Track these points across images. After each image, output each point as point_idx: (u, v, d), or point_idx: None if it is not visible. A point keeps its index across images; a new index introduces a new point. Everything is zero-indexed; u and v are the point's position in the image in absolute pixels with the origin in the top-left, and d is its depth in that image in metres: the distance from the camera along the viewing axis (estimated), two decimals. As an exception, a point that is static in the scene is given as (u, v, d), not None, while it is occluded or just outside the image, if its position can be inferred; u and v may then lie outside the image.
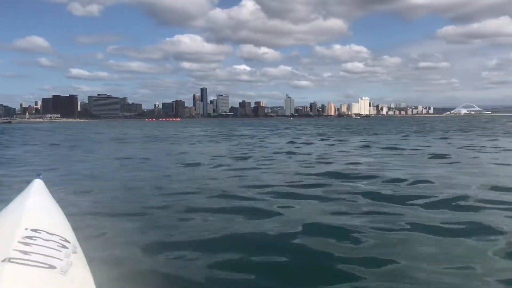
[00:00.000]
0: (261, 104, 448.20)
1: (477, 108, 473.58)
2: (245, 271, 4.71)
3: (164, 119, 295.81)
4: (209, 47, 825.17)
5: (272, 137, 36.77)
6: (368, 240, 5.69)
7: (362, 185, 9.93)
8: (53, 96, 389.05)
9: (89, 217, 7.09)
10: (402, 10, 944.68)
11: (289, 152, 19.53)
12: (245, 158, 17.36)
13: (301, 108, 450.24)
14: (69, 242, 2.28)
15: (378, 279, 4.43)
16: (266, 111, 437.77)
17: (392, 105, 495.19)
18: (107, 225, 6.64)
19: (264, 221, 6.84)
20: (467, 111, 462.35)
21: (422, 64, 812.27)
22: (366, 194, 8.72)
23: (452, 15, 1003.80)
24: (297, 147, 23.10)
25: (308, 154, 18.89)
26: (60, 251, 2.12)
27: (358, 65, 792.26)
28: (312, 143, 27.39)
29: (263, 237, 5.99)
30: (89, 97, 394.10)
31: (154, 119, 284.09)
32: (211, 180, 11.25)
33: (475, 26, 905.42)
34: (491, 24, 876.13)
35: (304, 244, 5.65)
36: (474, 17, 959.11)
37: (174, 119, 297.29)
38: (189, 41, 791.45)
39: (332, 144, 25.43)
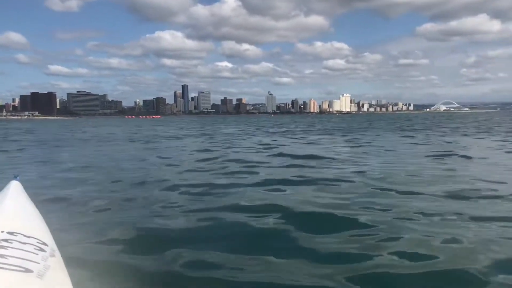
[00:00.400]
0: (243, 101, 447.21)
1: (456, 105, 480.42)
2: (236, 269, 4.67)
3: (144, 116, 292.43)
4: (190, 43, 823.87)
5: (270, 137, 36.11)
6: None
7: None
8: (31, 93, 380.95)
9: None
10: (382, 8, 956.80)
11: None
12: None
13: (282, 105, 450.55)
14: (47, 245, 2.25)
15: None
16: (248, 108, 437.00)
17: (373, 102, 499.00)
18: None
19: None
20: (447, 107, 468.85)
21: (402, 61, 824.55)
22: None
23: (431, 12, 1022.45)
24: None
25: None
26: (37, 254, 2.10)
27: (340, 62, 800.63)
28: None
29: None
30: (68, 94, 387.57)
31: (134, 116, 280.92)
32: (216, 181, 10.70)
33: (453, 24, 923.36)
34: (469, 22, 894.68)
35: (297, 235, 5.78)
36: (452, 14, 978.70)
37: (154, 116, 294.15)
38: (170, 38, 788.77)
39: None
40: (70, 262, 2.36)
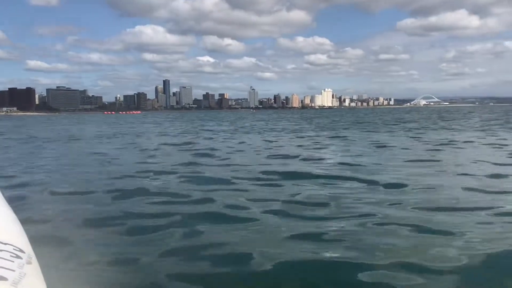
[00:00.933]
0: (225, 96, 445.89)
1: (436, 99, 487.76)
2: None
3: (124, 112, 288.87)
4: (171, 38, 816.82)
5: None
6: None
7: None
8: (9, 88, 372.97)
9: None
10: (363, 3, 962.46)
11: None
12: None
13: (265, 100, 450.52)
14: (24, 252, 2.17)
15: None
16: (230, 103, 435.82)
17: (354, 97, 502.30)
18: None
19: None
20: (426, 102, 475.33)
21: (383, 56, 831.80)
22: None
23: (412, 8, 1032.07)
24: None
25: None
26: (13, 261, 2.00)
27: (321, 57, 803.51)
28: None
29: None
30: (48, 90, 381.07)
31: (113, 112, 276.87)
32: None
33: (433, 19, 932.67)
34: (448, 17, 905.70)
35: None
36: (432, 10, 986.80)
37: (134, 112, 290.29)
38: (151, 32, 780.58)
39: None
40: (48, 269, 2.29)
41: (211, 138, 27.38)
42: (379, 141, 22.43)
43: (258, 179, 11.02)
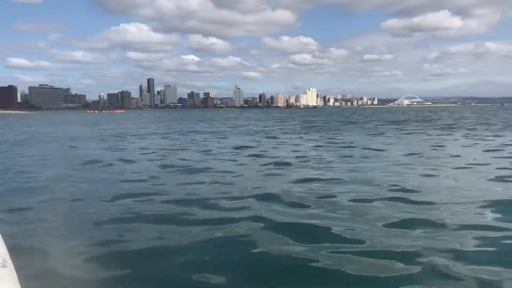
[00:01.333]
0: (210, 95, 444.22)
1: (419, 99, 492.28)
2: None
3: (108, 111, 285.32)
4: (156, 36, 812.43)
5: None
6: None
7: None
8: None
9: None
10: (348, 3, 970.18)
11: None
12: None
13: (250, 99, 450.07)
14: None
15: None
16: (215, 102, 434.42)
17: (339, 97, 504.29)
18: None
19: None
20: (410, 102, 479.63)
21: (367, 56, 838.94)
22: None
23: (395, 8, 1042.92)
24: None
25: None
26: None
27: (306, 57, 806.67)
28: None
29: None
30: (30, 88, 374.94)
31: (96, 111, 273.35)
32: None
33: (416, 20, 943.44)
34: (431, 18, 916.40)
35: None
36: (416, 11, 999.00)
37: (117, 111, 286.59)
38: (136, 30, 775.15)
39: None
40: (24, 272, 2.31)
41: (219, 142, 26.09)
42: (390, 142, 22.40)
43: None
